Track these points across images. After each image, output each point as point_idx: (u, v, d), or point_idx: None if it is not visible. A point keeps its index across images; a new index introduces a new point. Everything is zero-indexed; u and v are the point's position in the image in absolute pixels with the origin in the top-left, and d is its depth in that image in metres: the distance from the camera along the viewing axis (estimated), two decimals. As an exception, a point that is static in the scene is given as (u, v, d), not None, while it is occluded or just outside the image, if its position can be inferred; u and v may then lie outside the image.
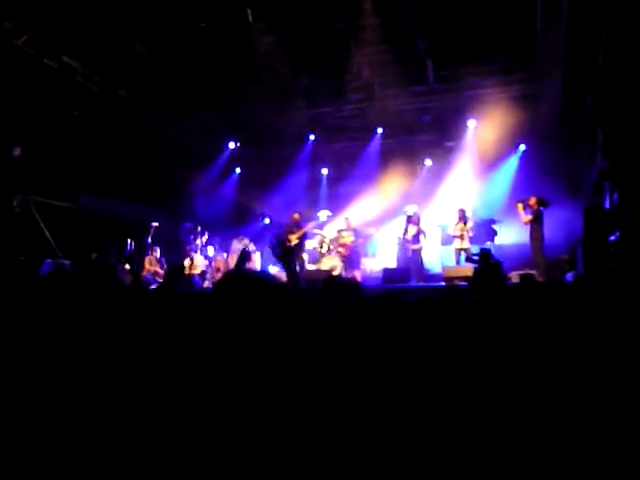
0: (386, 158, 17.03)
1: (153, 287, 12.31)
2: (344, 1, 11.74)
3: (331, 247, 13.94)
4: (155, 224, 14.10)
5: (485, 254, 9.42)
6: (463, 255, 12.06)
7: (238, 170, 18.52)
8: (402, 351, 1.32)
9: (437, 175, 16.75)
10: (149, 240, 13.82)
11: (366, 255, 15.77)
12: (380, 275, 12.43)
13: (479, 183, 15.66)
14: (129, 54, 12.52)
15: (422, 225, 13.23)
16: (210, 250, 14.79)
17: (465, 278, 10.29)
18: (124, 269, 12.71)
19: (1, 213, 11.23)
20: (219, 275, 13.72)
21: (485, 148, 15.14)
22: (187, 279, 12.74)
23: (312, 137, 17.57)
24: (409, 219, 13.17)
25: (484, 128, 15.18)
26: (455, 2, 11.75)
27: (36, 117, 11.93)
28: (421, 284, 11.71)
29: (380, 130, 16.90)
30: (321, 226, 15.86)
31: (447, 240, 13.87)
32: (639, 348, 1.70)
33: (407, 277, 11.91)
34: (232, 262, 14.45)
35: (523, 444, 1.22)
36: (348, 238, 13.92)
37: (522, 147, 15.68)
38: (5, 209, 11.35)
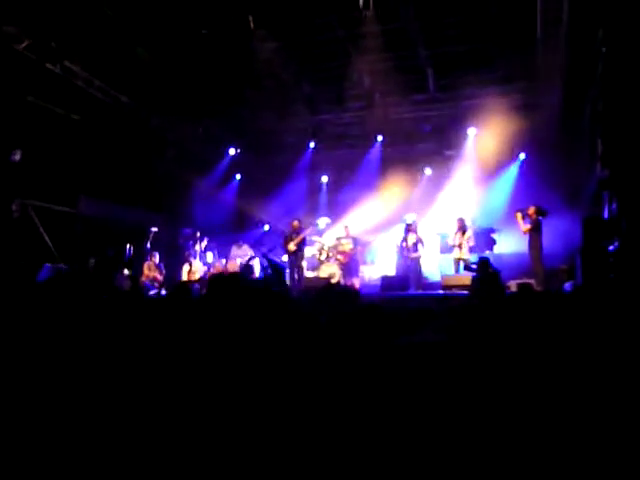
0: (386, 166, 17.05)
1: (152, 293, 12.31)
2: (346, 9, 11.77)
3: (330, 254, 13.93)
4: (154, 229, 14.09)
5: (483, 263, 9.42)
6: (462, 264, 12.06)
7: (238, 176, 18.53)
8: (394, 357, 1.32)
9: (437, 183, 16.76)
10: (148, 245, 13.81)
11: (365, 263, 15.77)
12: (379, 283, 12.43)
13: (479, 192, 15.67)
14: (131, 59, 12.55)
15: (421, 233, 13.23)
16: (209, 256, 14.77)
17: (463, 287, 10.28)
18: (123, 274, 12.71)
19: (0, 217, 11.23)
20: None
21: (485, 157, 15.16)
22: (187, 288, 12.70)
23: (312, 144, 17.59)
24: (408, 227, 13.17)
25: (484, 137, 15.22)
26: (456, 11, 11.80)
27: (36, 121, 11.93)
28: (419, 292, 11.70)
29: (380, 138, 16.93)
30: (320, 233, 15.86)
31: (446, 249, 13.87)
32: (637, 356, 1.70)
33: (406, 285, 11.90)
34: (231, 268, 14.44)
35: (519, 447, 1.21)
36: (347, 245, 13.92)
37: (522, 156, 15.69)
38: (4, 213, 11.35)
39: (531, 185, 13.90)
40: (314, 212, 17.79)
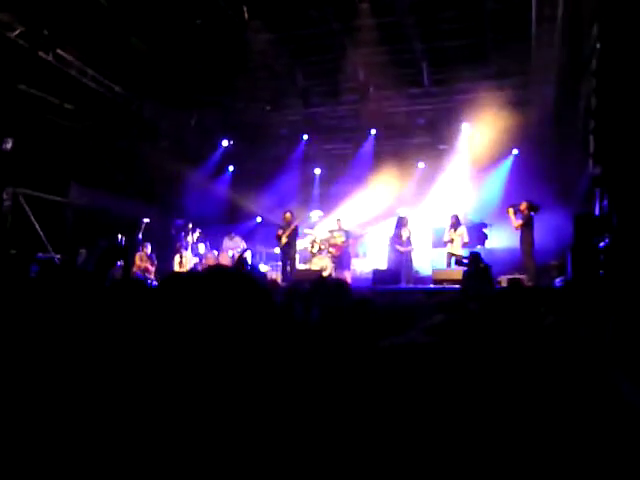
0: (379, 159, 17.03)
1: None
2: (341, 1, 11.75)
3: (322, 247, 13.92)
4: (146, 220, 14.05)
5: (475, 257, 9.46)
6: (453, 259, 12.11)
7: (231, 168, 18.49)
8: (380, 360, 1.32)
9: (430, 178, 16.75)
10: (140, 236, 13.77)
11: (357, 256, 15.78)
12: (370, 276, 12.45)
13: (471, 186, 15.69)
14: (125, 49, 12.49)
15: (412, 227, 13.26)
16: (201, 247, 14.75)
17: (454, 281, 10.33)
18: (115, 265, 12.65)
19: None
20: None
21: (478, 152, 15.18)
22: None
23: (305, 137, 17.57)
24: (400, 221, 13.19)
25: (477, 132, 15.24)
26: (452, 6, 11.80)
27: (28, 110, 11.87)
28: (411, 286, 11.73)
29: (374, 131, 16.92)
30: (312, 226, 15.86)
31: (438, 243, 13.91)
32: (625, 351, 1.71)
33: (397, 279, 11.93)
34: (223, 260, 14.43)
35: (514, 454, 1.21)
36: (339, 238, 13.92)
37: (515, 152, 15.71)
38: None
39: (523, 181, 13.92)
40: (307, 204, 17.77)
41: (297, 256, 13.52)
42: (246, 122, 17.01)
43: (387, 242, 13.84)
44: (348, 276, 13.21)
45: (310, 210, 17.10)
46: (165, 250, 14.62)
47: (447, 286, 10.45)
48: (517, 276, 10.58)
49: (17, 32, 11.07)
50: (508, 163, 15.83)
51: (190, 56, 13.22)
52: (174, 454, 1.13)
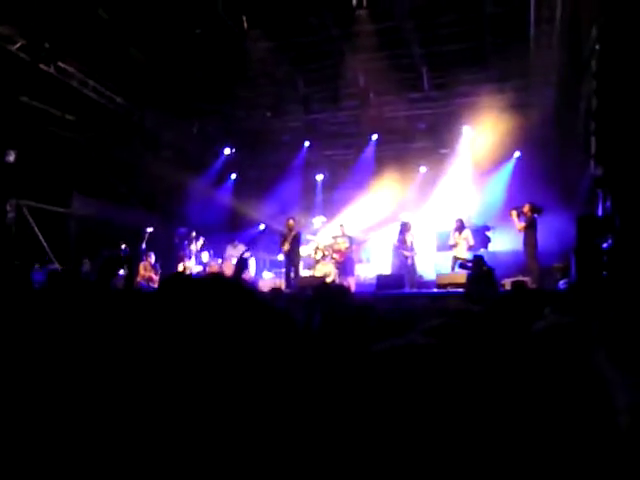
0: (381, 164, 17.05)
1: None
2: (340, 7, 11.78)
3: (325, 253, 13.92)
4: (150, 229, 14.08)
5: (478, 260, 9.44)
6: (457, 263, 12.10)
7: (233, 176, 18.52)
8: (376, 361, 1.31)
9: (432, 182, 16.76)
10: (144, 246, 13.80)
11: (360, 261, 15.78)
12: (374, 282, 12.44)
13: (474, 190, 15.69)
14: (125, 60, 12.54)
15: (415, 232, 13.25)
16: (205, 256, 14.77)
17: (458, 285, 10.31)
18: (119, 275, 12.69)
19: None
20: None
21: (480, 155, 15.18)
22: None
23: (307, 143, 17.59)
24: (404, 226, 13.18)
25: (478, 135, 15.24)
26: (451, 10, 11.82)
27: (31, 122, 11.92)
28: (415, 291, 11.71)
29: (375, 136, 16.93)
30: (315, 232, 15.87)
31: (442, 247, 13.90)
32: (631, 354, 1.70)
33: (401, 284, 11.91)
34: (226, 268, 14.43)
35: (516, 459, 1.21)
36: (342, 244, 13.91)
37: (516, 154, 15.70)
38: (-1, 214, 11.36)
39: (526, 183, 13.91)
40: (309, 211, 17.79)
41: (301, 263, 13.51)
42: (247, 129, 17.05)
43: (390, 247, 13.84)
44: (352, 282, 13.20)
45: (313, 216, 17.12)
46: (169, 259, 14.64)
47: (451, 290, 10.43)
48: (521, 279, 10.56)
49: (18, 45, 11.13)
50: (510, 166, 15.82)
51: (190, 66, 13.27)
52: (171, 457, 1.13)
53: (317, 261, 13.88)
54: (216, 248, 15.38)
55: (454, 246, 12.53)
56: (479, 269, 9.14)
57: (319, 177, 18.98)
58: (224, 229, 17.14)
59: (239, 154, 18.06)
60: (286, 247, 12.81)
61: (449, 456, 1.10)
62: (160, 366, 1.25)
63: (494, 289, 8.51)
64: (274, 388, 1.26)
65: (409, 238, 12.91)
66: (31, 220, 12.10)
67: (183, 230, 14.96)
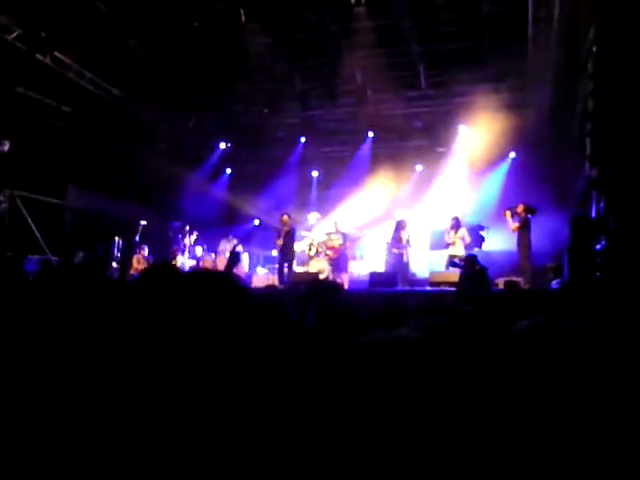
0: (376, 162, 17.03)
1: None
2: (338, 4, 11.77)
3: (319, 250, 13.92)
4: (143, 222, 14.06)
5: (470, 259, 9.46)
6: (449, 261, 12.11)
7: (229, 170, 18.49)
8: (363, 355, 1.32)
9: (427, 180, 16.77)
10: (137, 238, 13.78)
11: (354, 258, 15.77)
12: (367, 279, 12.44)
13: (469, 189, 15.70)
14: (122, 52, 12.49)
15: (409, 230, 13.26)
16: (198, 250, 14.75)
17: (451, 283, 10.32)
18: (112, 267, 12.68)
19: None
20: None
21: (475, 154, 15.19)
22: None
23: (303, 139, 17.57)
24: (399, 224, 13.19)
25: (474, 135, 15.24)
26: (449, 8, 11.82)
27: (26, 113, 11.87)
28: (407, 288, 11.72)
29: (371, 134, 16.93)
30: (310, 228, 15.86)
31: (436, 245, 13.91)
32: (622, 355, 1.71)
33: (394, 281, 11.92)
34: (220, 262, 14.42)
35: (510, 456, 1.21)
36: (336, 241, 13.92)
37: (512, 154, 15.72)
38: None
39: (520, 183, 13.93)
40: (304, 207, 17.76)
41: (295, 259, 13.51)
42: (244, 125, 17.03)
43: (384, 245, 13.85)
44: (345, 279, 13.21)
45: (308, 213, 17.09)
46: (162, 252, 14.62)
47: (444, 289, 10.44)
48: (514, 278, 10.58)
49: (15, 35, 11.08)
50: (505, 166, 15.83)
51: (188, 59, 13.24)
52: (167, 455, 1.13)
53: (311, 257, 13.88)
54: (210, 242, 15.37)
55: (451, 245, 12.52)
56: (472, 268, 9.15)
57: (314, 173, 18.96)
58: (218, 223, 17.11)
59: (235, 149, 18.04)
60: (280, 242, 12.80)
61: (433, 444, 1.11)
62: (150, 356, 1.25)
63: (486, 288, 8.53)
64: (265, 380, 1.26)
65: (404, 236, 12.92)
66: (24, 211, 12.05)
67: (177, 224, 14.94)
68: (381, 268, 13.59)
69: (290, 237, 12.87)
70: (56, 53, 12.08)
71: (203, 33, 12.37)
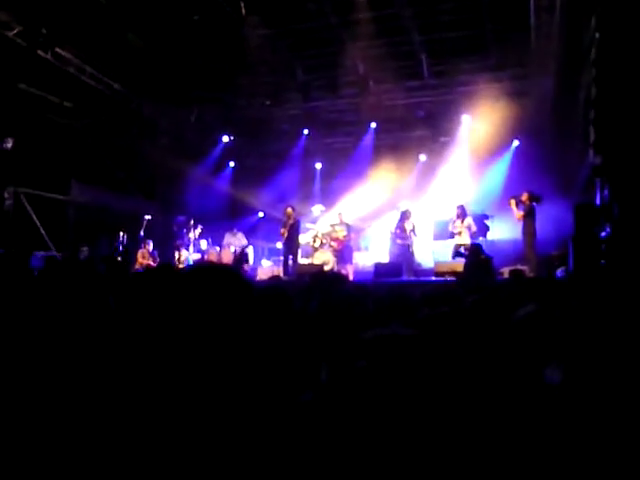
0: (380, 153, 17.00)
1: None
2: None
3: (324, 241, 13.92)
4: (148, 217, 14.08)
5: (475, 249, 9.44)
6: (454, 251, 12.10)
7: (232, 163, 18.49)
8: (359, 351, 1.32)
9: (431, 170, 16.73)
10: (142, 233, 13.80)
11: (359, 249, 15.77)
12: (372, 269, 12.44)
13: (473, 178, 15.67)
14: (123, 46, 12.47)
15: (414, 220, 13.24)
16: (203, 244, 14.78)
17: (456, 273, 10.32)
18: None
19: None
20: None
21: (478, 144, 15.14)
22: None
23: (306, 131, 17.54)
24: (403, 214, 13.17)
25: (478, 124, 15.19)
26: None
27: (28, 109, 11.88)
28: (412, 279, 11.72)
29: (374, 125, 16.88)
30: (314, 220, 15.86)
31: (440, 235, 13.89)
32: (628, 343, 1.71)
33: (399, 272, 11.91)
34: (225, 256, 14.45)
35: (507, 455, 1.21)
36: (341, 232, 13.91)
37: (515, 143, 15.67)
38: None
39: (524, 172, 13.89)
40: (308, 199, 17.76)
41: (299, 251, 13.51)
42: (246, 117, 16.99)
43: (389, 235, 13.83)
44: (350, 270, 13.21)
45: (311, 205, 17.08)
46: (167, 247, 14.65)
47: (449, 278, 10.43)
48: (519, 267, 10.57)
49: (15, 31, 11.07)
50: (509, 154, 15.79)
51: (188, 52, 13.20)
52: (167, 450, 1.13)
53: (315, 249, 13.89)
54: (214, 236, 15.38)
55: (457, 234, 12.50)
56: (477, 257, 9.14)
57: (318, 165, 18.95)
58: (223, 217, 17.12)
59: (238, 142, 18.01)
60: (284, 235, 12.82)
61: (425, 435, 1.11)
62: (154, 349, 1.26)
63: (491, 278, 8.52)
64: (265, 371, 1.26)
65: (408, 226, 12.90)
66: (29, 207, 12.08)
67: (181, 218, 14.94)
68: (386, 259, 13.59)
69: (294, 229, 12.89)
70: (57, 49, 12.06)
71: (203, 26, 12.33)
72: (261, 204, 18.11)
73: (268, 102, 16.24)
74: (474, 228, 12.50)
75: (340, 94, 15.65)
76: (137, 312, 1.29)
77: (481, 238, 13.05)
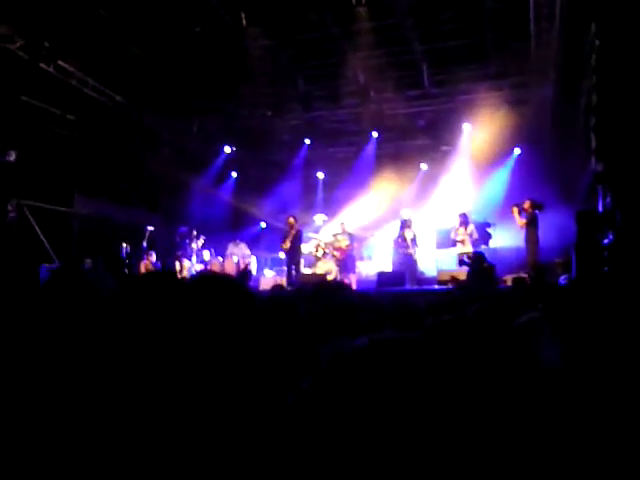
0: (381, 162, 17.04)
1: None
2: (339, 5, 11.77)
3: (326, 251, 13.93)
4: (150, 228, 14.10)
5: (478, 257, 9.45)
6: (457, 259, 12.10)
7: (234, 174, 18.53)
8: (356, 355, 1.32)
9: (432, 179, 16.76)
10: (144, 244, 13.81)
11: (362, 259, 15.77)
12: (375, 279, 12.44)
13: (474, 187, 15.68)
14: (124, 58, 12.54)
15: (416, 229, 13.26)
16: (206, 254, 14.78)
17: (459, 281, 10.31)
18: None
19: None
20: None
21: (480, 152, 15.16)
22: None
23: (308, 141, 17.58)
24: (404, 223, 13.19)
25: (479, 132, 15.22)
26: (450, 6, 11.80)
27: (31, 121, 11.93)
28: (415, 288, 11.71)
29: (375, 134, 16.92)
30: (317, 230, 15.87)
31: (442, 244, 13.90)
32: (631, 350, 1.71)
33: (402, 280, 11.91)
34: (228, 266, 14.45)
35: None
36: (343, 242, 13.92)
37: (517, 151, 15.69)
38: (0, 214, 11.36)
39: (526, 179, 13.91)
40: (310, 209, 17.78)
41: (302, 260, 13.52)
42: (248, 128, 17.03)
43: (391, 244, 13.85)
44: (353, 279, 13.21)
45: (314, 214, 17.10)
46: (170, 258, 14.66)
47: (452, 287, 10.42)
48: (522, 275, 10.57)
49: (18, 44, 11.13)
50: (510, 162, 15.80)
51: (190, 64, 13.27)
52: (168, 452, 1.14)
53: (318, 259, 13.89)
54: (217, 246, 15.40)
55: (460, 242, 12.50)
56: (479, 266, 9.14)
57: (320, 175, 18.98)
58: (225, 227, 17.15)
59: (240, 152, 18.05)
60: (287, 245, 12.83)
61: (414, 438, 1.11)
62: (154, 357, 1.26)
63: (493, 286, 8.52)
64: (267, 380, 1.27)
65: (408, 235, 12.92)
66: (32, 220, 12.11)
67: (184, 228, 14.96)
68: (389, 268, 13.58)
69: (297, 239, 12.90)
70: (59, 61, 12.13)
71: (205, 38, 12.40)
72: (263, 214, 18.14)
73: (269, 112, 16.29)
74: (476, 236, 12.51)
75: (341, 104, 15.69)
76: (138, 320, 1.30)
77: (483, 246, 13.06)
